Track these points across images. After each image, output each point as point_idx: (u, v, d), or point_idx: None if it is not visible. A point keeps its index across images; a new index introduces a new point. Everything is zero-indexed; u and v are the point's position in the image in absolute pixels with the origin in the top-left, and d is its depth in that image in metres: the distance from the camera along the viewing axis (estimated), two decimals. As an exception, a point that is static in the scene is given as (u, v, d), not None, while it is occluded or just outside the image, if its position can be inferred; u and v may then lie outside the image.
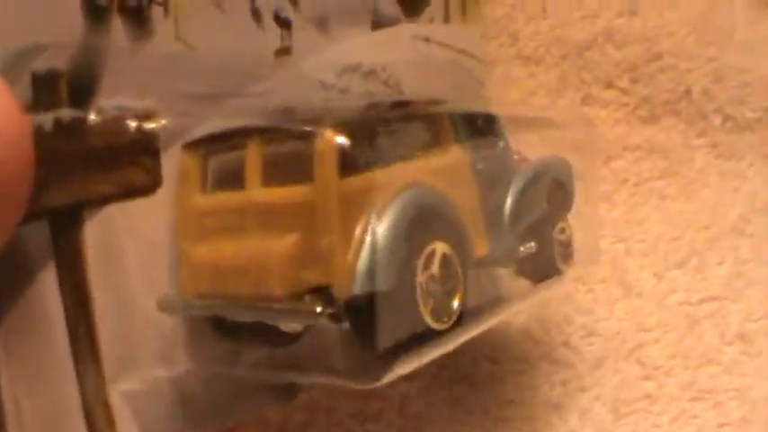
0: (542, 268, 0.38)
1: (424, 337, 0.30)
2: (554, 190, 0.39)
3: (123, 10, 0.30)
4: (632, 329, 0.49)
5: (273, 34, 0.35)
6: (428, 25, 0.42)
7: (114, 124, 0.30)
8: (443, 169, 0.32)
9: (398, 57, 0.40)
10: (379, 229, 0.28)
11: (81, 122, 0.29)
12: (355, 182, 0.29)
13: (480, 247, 0.33)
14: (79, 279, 0.30)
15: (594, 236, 0.44)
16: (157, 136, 0.31)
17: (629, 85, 0.56)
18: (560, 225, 0.39)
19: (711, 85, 0.56)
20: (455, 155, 0.34)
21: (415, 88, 0.40)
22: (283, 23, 0.36)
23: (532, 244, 0.37)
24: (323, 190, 0.29)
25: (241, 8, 0.34)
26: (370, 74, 0.39)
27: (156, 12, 0.31)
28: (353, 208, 0.28)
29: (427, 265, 0.30)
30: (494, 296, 0.37)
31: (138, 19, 0.31)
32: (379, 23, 0.40)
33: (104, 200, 0.30)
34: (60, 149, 0.28)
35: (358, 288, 0.28)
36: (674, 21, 0.56)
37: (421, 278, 0.30)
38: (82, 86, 0.29)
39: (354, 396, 0.47)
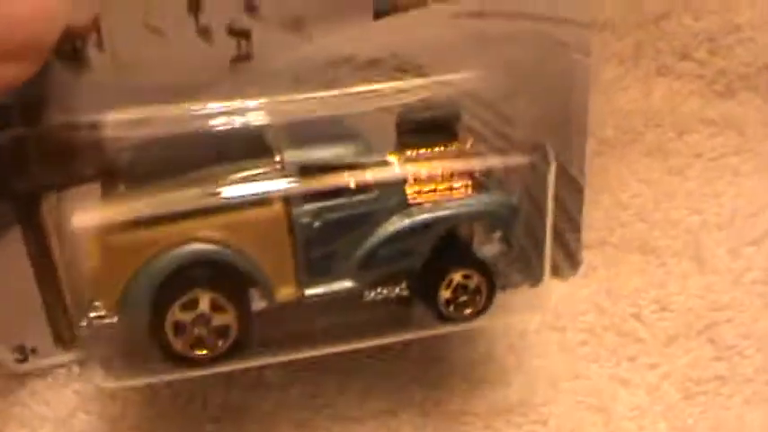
0: (428, 313, 0.39)
1: (179, 362, 0.36)
2: (448, 241, 0.38)
3: (59, 53, 0.36)
4: (705, 307, 0.45)
5: (228, 46, 0.38)
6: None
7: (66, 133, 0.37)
8: (242, 226, 0.36)
9: (423, 41, 0.40)
10: (137, 278, 0.35)
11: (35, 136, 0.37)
12: (125, 238, 0.35)
13: (287, 291, 0.37)
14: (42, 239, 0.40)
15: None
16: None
17: (706, 57, 0.52)
18: (452, 276, 0.38)
19: (791, 60, 0.52)
20: (265, 213, 0.36)
21: (451, 69, 0.39)
22: (240, 34, 0.38)
23: (391, 289, 0.38)
24: (93, 240, 0.35)
25: (184, 30, 0.37)
26: (373, 64, 0.40)
27: (92, 50, 0.37)
28: (124, 257, 0.35)
29: (191, 307, 0.35)
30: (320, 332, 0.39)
31: (75, 58, 0.36)
32: (383, 11, 0.39)
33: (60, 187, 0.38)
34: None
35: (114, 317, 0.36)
36: (754, -9, 0.52)
37: (181, 317, 0.35)
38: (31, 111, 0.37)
39: (416, 361, 0.44)
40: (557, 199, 0.40)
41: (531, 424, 0.43)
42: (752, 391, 0.44)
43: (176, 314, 0.35)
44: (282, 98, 0.38)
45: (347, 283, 0.37)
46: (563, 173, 0.42)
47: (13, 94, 0.35)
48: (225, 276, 0.36)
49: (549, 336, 0.46)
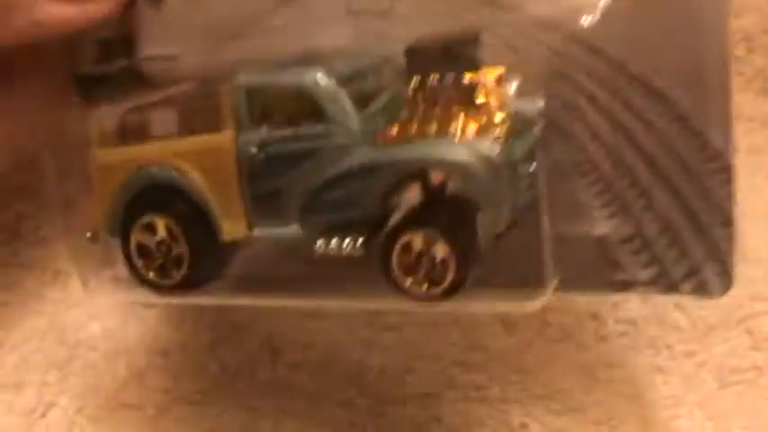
0: (381, 276, 0.32)
1: (146, 285, 0.35)
2: (426, 194, 0.32)
3: None
4: (745, 297, 0.45)
5: None
6: None
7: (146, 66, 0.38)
8: (196, 152, 0.34)
9: None
10: (113, 198, 0.35)
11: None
12: (108, 154, 0.36)
13: (232, 229, 0.34)
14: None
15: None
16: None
17: (745, 55, 0.52)
18: (410, 238, 0.31)
19: (829, 60, 0.52)
20: (216, 139, 0.34)
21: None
22: None
23: (345, 244, 0.32)
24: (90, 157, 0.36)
25: None
26: None
27: None
28: (107, 174, 0.35)
29: (150, 231, 0.35)
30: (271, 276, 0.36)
31: None
32: None
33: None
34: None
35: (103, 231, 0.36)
36: (794, -10, 0.52)
37: (144, 240, 0.35)
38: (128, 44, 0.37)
39: (457, 345, 0.45)
40: (696, 180, 0.32)
41: (569, 411, 0.44)
42: (788, 382, 0.44)
43: (138, 236, 0.35)
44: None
45: (294, 229, 0.33)
46: (701, 143, 0.33)
47: (115, 28, 0.36)
48: (178, 204, 0.34)
49: (588, 325, 0.46)
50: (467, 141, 0.30)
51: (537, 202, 0.31)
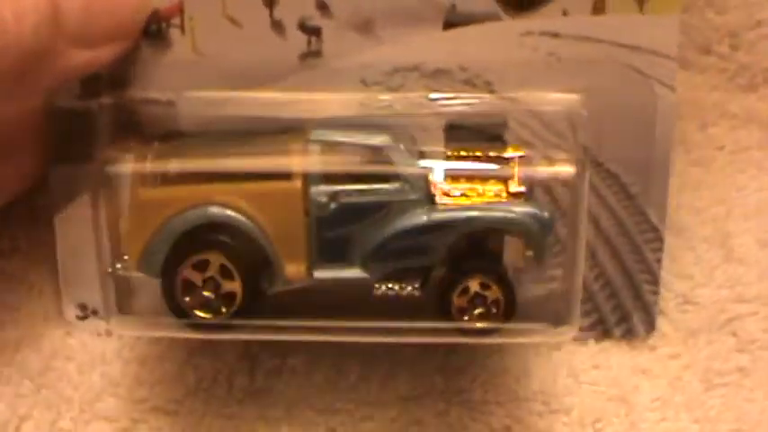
0: (440, 316, 0.37)
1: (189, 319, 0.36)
2: (474, 248, 0.37)
3: (146, 34, 0.38)
4: (730, 299, 0.44)
5: (299, 41, 0.38)
6: (558, 19, 0.39)
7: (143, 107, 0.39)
8: (261, 196, 0.36)
9: (493, 56, 0.39)
10: (158, 233, 0.35)
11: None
12: (153, 192, 0.36)
13: (296, 270, 0.36)
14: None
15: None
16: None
17: (729, 52, 0.50)
18: (469, 283, 0.37)
19: (814, 55, 0.50)
20: (285, 186, 0.36)
21: (521, 88, 0.39)
22: (311, 31, 0.38)
23: (403, 286, 0.37)
24: (131, 195, 0.37)
25: (259, 22, 0.38)
26: (439, 73, 0.39)
27: (174, 32, 0.38)
28: (150, 211, 0.36)
29: (200, 269, 0.36)
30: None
31: (159, 38, 0.38)
32: (454, 23, 0.39)
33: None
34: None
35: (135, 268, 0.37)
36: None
37: (191, 276, 0.36)
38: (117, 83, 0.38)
39: (438, 350, 0.43)
40: (634, 247, 0.40)
41: (553, 413, 0.42)
42: (774, 383, 0.42)
43: (187, 273, 0.36)
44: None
45: (357, 272, 0.36)
46: (642, 218, 0.41)
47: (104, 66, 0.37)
48: (236, 243, 0.36)
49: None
50: (517, 206, 0.37)
51: (575, 250, 0.38)
